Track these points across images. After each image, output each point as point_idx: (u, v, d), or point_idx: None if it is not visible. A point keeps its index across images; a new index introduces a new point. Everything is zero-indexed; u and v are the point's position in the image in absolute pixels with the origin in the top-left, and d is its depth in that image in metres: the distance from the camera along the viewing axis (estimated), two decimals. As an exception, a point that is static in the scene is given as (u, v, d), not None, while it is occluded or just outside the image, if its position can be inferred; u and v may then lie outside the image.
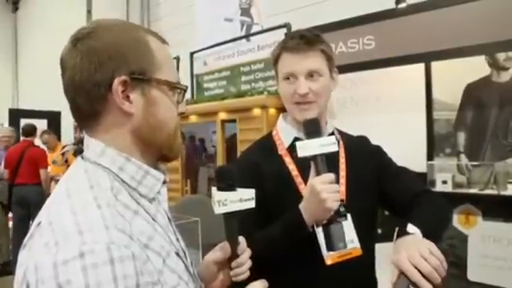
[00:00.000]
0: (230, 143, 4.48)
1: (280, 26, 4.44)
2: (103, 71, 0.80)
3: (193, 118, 4.79)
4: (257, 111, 3.99)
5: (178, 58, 5.86)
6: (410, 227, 1.19)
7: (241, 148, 4.18)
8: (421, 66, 2.89)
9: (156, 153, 0.90)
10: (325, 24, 3.61)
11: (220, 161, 4.47)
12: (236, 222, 1.03)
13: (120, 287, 0.68)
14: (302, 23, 3.99)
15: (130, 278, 0.70)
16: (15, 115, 9.01)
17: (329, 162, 1.29)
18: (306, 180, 1.37)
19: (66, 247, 0.69)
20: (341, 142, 1.51)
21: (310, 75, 1.41)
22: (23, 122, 7.39)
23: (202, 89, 5.48)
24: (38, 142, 6.82)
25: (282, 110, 4.14)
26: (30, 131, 6.52)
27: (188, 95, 5.57)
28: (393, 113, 3.01)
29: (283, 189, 1.41)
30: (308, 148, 1.23)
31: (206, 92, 5.38)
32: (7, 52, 12.52)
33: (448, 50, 2.77)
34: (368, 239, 1.45)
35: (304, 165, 1.35)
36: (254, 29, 5.45)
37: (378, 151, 1.60)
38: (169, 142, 0.90)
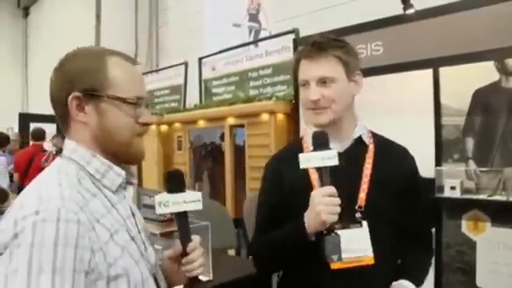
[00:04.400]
0: (238, 148, 4.50)
1: (288, 32, 4.45)
2: (63, 89, 1.03)
3: (201, 123, 4.81)
4: (265, 116, 4.01)
5: (186, 64, 5.90)
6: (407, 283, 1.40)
7: (249, 153, 4.19)
8: (429, 72, 2.89)
9: (114, 155, 1.06)
10: (333, 29, 3.62)
11: (228, 165, 4.48)
12: (187, 222, 1.10)
13: (60, 241, 0.85)
14: (310, 29, 4.00)
15: (70, 237, 0.87)
16: (25, 119, 9.08)
17: (352, 165, 1.35)
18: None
19: (26, 208, 0.89)
20: (370, 146, 1.50)
21: (323, 81, 1.41)
22: (33, 126, 7.45)
23: (210, 94, 5.50)
24: (47, 145, 6.87)
25: (290, 115, 4.11)
26: (40, 135, 6.58)
27: (196, 100, 5.60)
28: (401, 118, 3.01)
29: (299, 193, 1.42)
30: (309, 160, 1.27)
31: (215, 97, 5.40)
32: (17, 57, 12.65)
33: (456, 56, 2.77)
34: (386, 247, 1.43)
35: None
36: (262, 34, 5.48)
37: (414, 173, 1.58)
38: (122, 147, 1.06)
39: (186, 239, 1.10)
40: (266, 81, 4.74)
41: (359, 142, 1.49)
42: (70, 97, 1.02)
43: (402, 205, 1.45)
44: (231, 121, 4.42)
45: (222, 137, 4.69)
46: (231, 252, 3.77)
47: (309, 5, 4.78)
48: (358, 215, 1.34)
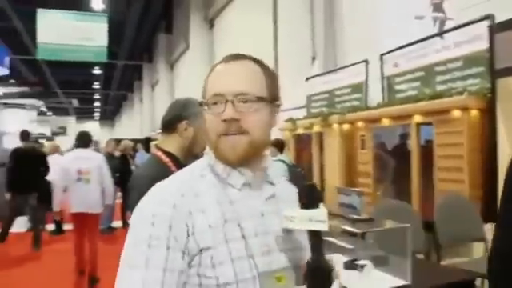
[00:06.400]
0: (424, 147, 4.28)
1: (480, 19, 4.08)
2: None
3: (385, 121, 4.70)
4: (456, 113, 3.75)
5: (366, 61, 5.82)
6: None
7: (438, 152, 3.95)
8: None
9: (215, 154, 1.12)
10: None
11: (415, 165, 4.29)
12: (319, 241, 1.02)
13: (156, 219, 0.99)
14: (508, 13, 3.62)
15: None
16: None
17: None
18: None
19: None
20: None
21: None
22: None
23: (393, 91, 5.34)
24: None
25: (485, 111, 3.77)
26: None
27: (379, 98, 5.50)
28: None
29: None
30: None
31: (398, 94, 5.22)
32: (206, 63, 14.02)
33: None
34: None
35: None
36: (448, 25, 5.13)
37: None
38: (212, 145, 1.11)
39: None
40: (455, 75, 4.40)
41: None
42: None
43: None
44: (418, 118, 4.22)
45: (403, 135, 4.52)
46: (419, 256, 3.61)
47: (500, -13, 4.33)
48: None
